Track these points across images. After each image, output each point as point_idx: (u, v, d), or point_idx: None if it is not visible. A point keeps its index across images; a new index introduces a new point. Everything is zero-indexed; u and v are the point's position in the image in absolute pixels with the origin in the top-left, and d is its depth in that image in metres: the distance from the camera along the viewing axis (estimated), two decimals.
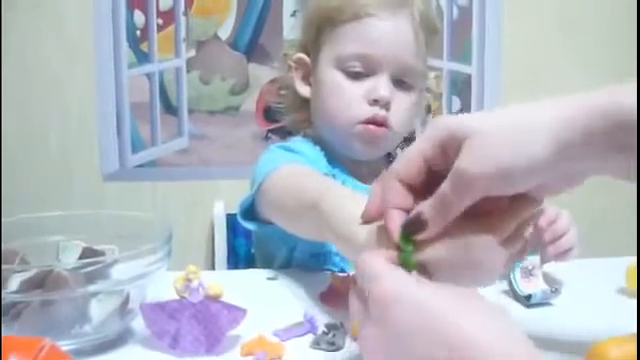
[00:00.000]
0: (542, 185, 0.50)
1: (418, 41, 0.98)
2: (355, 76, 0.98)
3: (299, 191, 0.85)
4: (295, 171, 0.92)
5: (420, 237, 0.51)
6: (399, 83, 0.99)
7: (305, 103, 1.06)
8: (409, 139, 1.07)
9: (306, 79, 1.05)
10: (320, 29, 1.01)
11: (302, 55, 1.05)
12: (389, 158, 1.10)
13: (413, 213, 0.51)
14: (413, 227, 0.51)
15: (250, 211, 0.97)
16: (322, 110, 1.02)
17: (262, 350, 0.65)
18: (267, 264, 1.02)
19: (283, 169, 0.93)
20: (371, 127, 0.98)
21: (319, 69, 1.02)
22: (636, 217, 1.65)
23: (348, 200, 0.73)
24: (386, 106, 0.98)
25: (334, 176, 1.00)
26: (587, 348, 0.59)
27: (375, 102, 0.97)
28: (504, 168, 0.47)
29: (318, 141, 1.04)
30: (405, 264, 0.51)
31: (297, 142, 1.04)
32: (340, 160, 1.03)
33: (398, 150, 1.14)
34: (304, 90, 1.05)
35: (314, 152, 1.01)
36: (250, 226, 0.99)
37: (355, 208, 0.61)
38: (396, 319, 0.46)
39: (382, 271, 0.48)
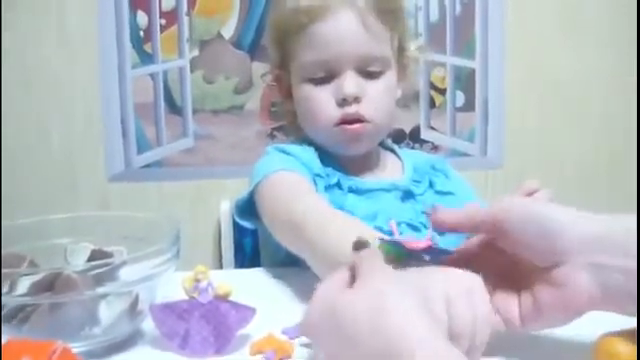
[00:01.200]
0: None
1: (371, 29, 0.98)
2: (321, 81, 0.99)
3: (287, 211, 0.88)
4: (286, 181, 0.95)
5: None
6: (367, 74, 0.99)
7: (295, 114, 1.08)
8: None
9: (288, 92, 1.06)
10: (282, 45, 1.04)
11: (279, 71, 1.07)
12: (382, 147, 1.12)
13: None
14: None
15: (249, 208, 0.99)
16: (303, 121, 1.05)
17: (271, 348, 0.65)
18: (272, 259, 1.03)
19: (276, 177, 0.95)
20: (346, 127, 0.99)
21: (293, 83, 1.04)
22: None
23: (331, 225, 0.79)
24: (356, 101, 0.98)
25: (327, 175, 1.01)
26: (589, 342, 0.58)
27: (344, 101, 0.98)
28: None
29: (311, 142, 1.06)
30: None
31: (293, 144, 1.06)
32: (332, 158, 1.04)
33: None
34: (289, 104, 1.07)
35: (308, 153, 1.02)
36: (247, 224, 1.01)
37: (337, 232, 0.76)
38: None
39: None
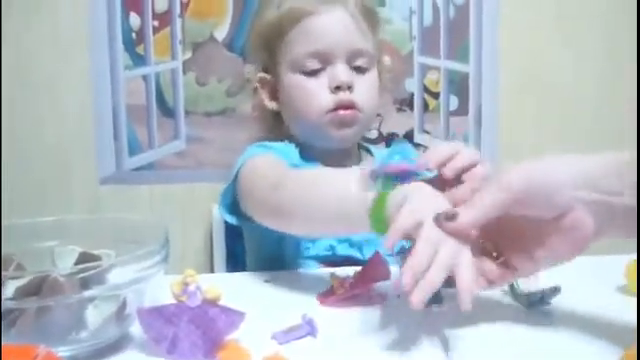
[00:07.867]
0: None
1: (360, 27, 1.06)
2: (313, 73, 1.05)
3: (264, 176, 0.92)
4: (264, 160, 0.99)
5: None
6: (355, 68, 1.06)
7: (277, 116, 1.13)
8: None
9: (273, 95, 1.11)
10: (270, 45, 1.08)
11: (263, 74, 1.12)
12: (359, 148, 1.17)
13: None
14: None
15: (234, 207, 1.02)
16: (292, 112, 1.09)
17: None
18: (258, 261, 1.04)
19: (254, 159, 1.00)
20: (340, 112, 1.04)
21: (281, 80, 1.08)
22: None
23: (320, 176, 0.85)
24: (349, 89, 1.04)
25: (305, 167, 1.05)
26: (588, 347, 0.58)
27: (337, 88, 1.04)
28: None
29: (294, 143, 1.11)
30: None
31: (274, 143, 1.10)
32: (313, 154, 1.09)
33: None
34: (273, 105, 1.12)
35: (289, 148, 1.08)
36: (232, 220, 1.03)
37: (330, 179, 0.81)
38: None
39: None
